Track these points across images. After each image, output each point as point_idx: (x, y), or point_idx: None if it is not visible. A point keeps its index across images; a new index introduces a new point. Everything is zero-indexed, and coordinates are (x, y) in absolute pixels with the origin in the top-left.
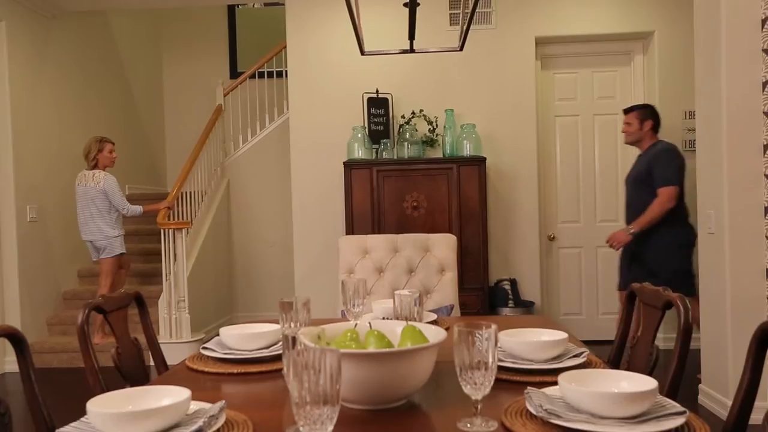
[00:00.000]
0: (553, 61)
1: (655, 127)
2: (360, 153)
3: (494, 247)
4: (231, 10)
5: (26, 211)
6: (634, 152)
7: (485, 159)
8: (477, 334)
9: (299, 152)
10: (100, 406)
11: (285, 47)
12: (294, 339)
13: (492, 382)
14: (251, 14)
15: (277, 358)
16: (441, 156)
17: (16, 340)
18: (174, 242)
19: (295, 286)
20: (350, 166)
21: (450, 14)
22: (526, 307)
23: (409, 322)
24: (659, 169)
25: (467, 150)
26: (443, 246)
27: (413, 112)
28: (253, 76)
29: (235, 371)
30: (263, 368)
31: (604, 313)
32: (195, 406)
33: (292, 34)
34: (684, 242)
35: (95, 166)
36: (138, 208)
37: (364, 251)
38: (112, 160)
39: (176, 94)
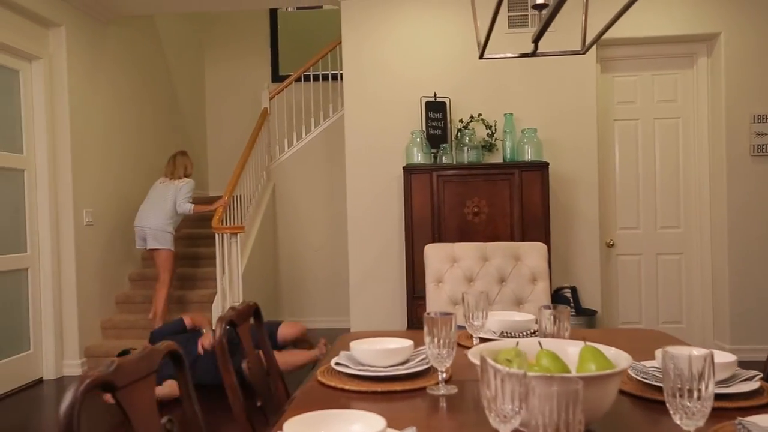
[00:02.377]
0: (612, 63)
1: None
2: (419, 158)
3: (554, 254)
4: (273, 13)
5: (83, 215)
6: (698, 156)
7: (548, 164)
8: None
9: (354, 157)
10: (300, 428)
11: (331, 50)
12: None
13: (708, 411)
14: (292, 18)
15: (415, 375)
16: (500, 161)
17: (176, 357)
18: (229, 246)
19: (350, 293)
20: (410, 170)
21: (509, 16)
22: (588, 315)
23: (555, 341)
24: None
25: (528, 155)
26: (534, 255)
27: (471, 116)
28: (297, 80)
29: (379, 389)
30: (406, 386)
31: (665, 321)
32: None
33: (347, 36)
34: None
35: (182, 176)
36: (190, 206)
37: (452, 259)
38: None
39: (218, 98)
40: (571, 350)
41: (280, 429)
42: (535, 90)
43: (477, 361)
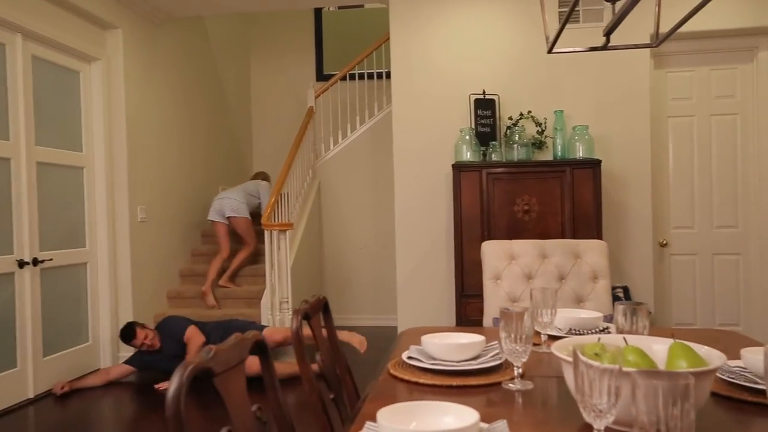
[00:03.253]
0: (666, 59)
1: None
2: (468, 155)
3: None
4: (317, 13)
5: (137, 211)
6: (757, 153)
7: (600, 161)
8: None
9: (402, 154)
10: (390, 419)
11: (376, 48)
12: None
13: None
14: (336, 17)
15: (487, 370)
16: (550, 158)
17: (261, 348)
18: (277, 243)
19: (397, 290)
20: (459, 168)
21: (558, 12)
22: None
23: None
24: None
25: (580, 152)
26: (595, 252)
27: (521, 114)
28: (342, 78)
29: (454, 384)
30: (481, 381)
31: (722, 323)
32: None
33: (395, 34)
34: None
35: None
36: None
37: (510, 257)
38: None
39: (263, 96)
40: (656, 347)
41: (367, 419)
42: (586, 86)
43: (562, 355)
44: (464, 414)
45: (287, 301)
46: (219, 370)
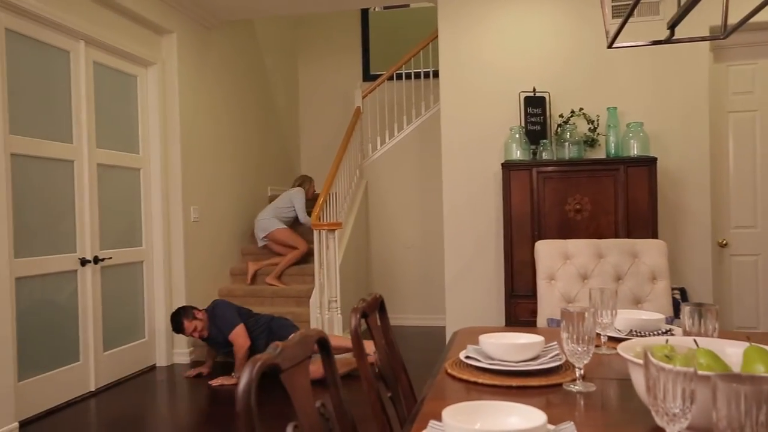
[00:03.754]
0: (727, 51)
1: None
2: (518, 154)
3: None
4: (364, 13)
5: (190, 212)
6: None
7: (656, 159)
8: None
9: (450, 153)
10: (456, 419)
11: (423, 47)
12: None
13: None
14: (383, 17)
15: (547, 371)
16: (603, 156)
17: (324, 344)
18: (326, 242)
19: (446, 290)
20: (509, 167)
21: (613, 6)
22: None
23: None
24: None
25: (634, 150)
26: (653, 252)
27: (572, 111)
28: (389, 78)
29: (514, 384)
30: (542, 382)
31: None
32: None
33: (444, 33)
34: None
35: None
36: (309, 219)
37: (564, 256)
38: (310, 195)
39: (310, 97)
40: (729, 350)
41: (428, 418)
42: (640, 82)
43: (630, 357)
44: (530, 415)
45: (335, 300)
46: (285, 367)
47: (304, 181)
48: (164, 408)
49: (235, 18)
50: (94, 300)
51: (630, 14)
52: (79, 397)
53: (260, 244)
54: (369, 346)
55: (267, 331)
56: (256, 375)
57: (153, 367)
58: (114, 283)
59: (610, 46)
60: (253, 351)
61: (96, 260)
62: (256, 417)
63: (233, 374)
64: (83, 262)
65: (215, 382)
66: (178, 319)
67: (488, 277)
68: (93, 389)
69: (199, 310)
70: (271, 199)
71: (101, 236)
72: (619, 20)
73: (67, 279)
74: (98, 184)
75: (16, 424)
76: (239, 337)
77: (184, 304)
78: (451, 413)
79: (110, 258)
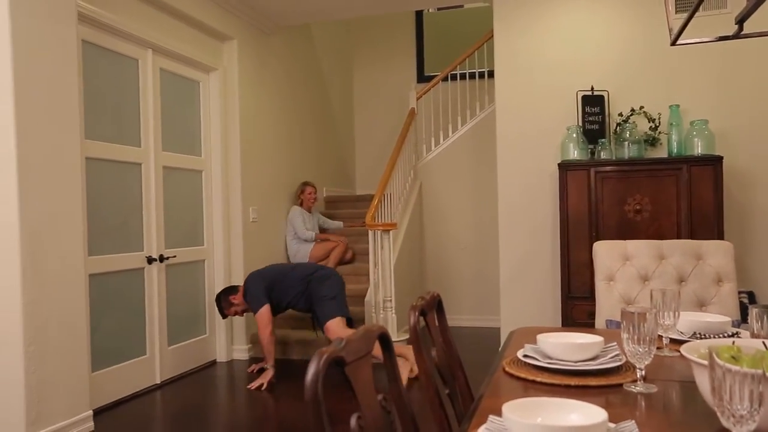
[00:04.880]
0: None
1: None
2: (575, 154)
3: None
4: (418, 15)
5: (249, 212)
6: None
7: (722, 158)
8: None
9: (506, 154)
10: (516, 414)
11: (478, 47)
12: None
13: None
14: (437, 18)
15: (606, 371)
16: (664, 155)
17: (385, 340)
18: (381, 243)
19: (500, 291)
20: (565, 167)
21: (676, 1)
22: None
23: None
24: None
25: (698, 148)
26: (719, 253)
27: (632, 109)
28: (443, 79)
29: (573, 383)
30: (601, 382)
31: None
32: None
33: (499, 32)
34: None
35: (301, 204)
36: (310, 234)
37: (624, 257)
38: (311, 200)
39: (365, 99)
40: None
41: (487, 414)
42: (705, 79)
43: (694, 358)
44: (591, 412)
45: (390, 300)
46: (350, 360)
47: (298, 193)
48: (225, 402)
49: (293, 23)
50: (159, 297)
51: (696, 10)
52: (146, 388)
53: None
54: (407, 354)
55: (305, 292)
56: (323, 366)
57: (213, 363)
58: (177, 281)
59: (674, 43)
60: (292, 307)
61: (161, 259)
62: (324, 406)
63: (264, 365)
64: (149, 260)
65: (253, 386)
66: (219, 306)
67: (544, 279)
68: (158, 382)
69: (236, 292)
70: (327, 200)
71: (166, 236)
72: (683, 15)
73: (135, 276)
74: (163, 185)
75: (90, 412)
76: (261, 319)
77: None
78: (512, 408)
79: (174, 256)
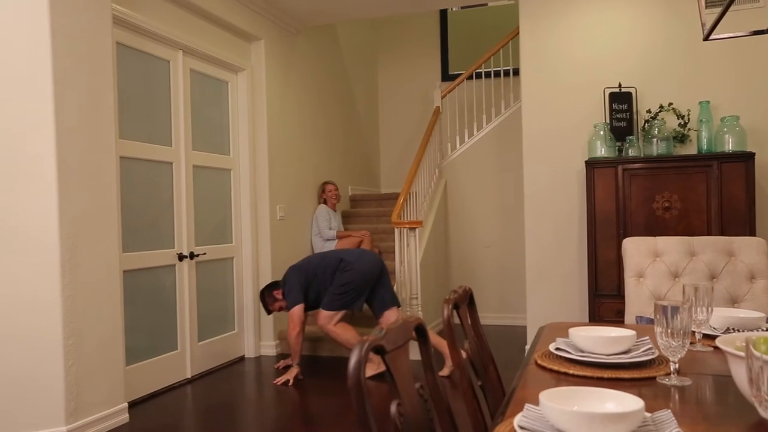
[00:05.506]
0: None
1: None
2: (602, 151)
3: None
4: (443, 13)
5: (276, 210)
6: None
7: (754, 154)
8: None
9: (532, 152)
10: (553, 401)
11: (503, 45)
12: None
13: None
14: (461, 17)
15: (640, 365)
16: (693, 152)
17: (421, 331)
18: (407, 240)
19: (527, 289)
20: (592, 164)
21: None
22: None
23: None
24: None
25: (729, 145)
26: (752, 250)
27: (661, 106)
28: (468, 77)
29: (605, 376)
30: (634, 375)
31: None
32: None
33: (525, 30)
34: None
35: (325, 202)
36: (331, 233)
37: (654, 254)
38: (334, 198)
39: (389, 98)
40: None
41: (523, 403)
42: (737, 74)
43: (730, 349)
44: (627, 401)
45: (416, 298)
46: (390, 348)
47: (320, 193)
48: (254, 396)
49: (319, 23)
50: (190, 293)
51: (730, 4)
52: (177, 383)
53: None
54: (444, 351)
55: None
56: (365, 353)
57: (242, 358)
58: (207, 278)
59: (706, 38)
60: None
61: (192, 256)
62: (366, 392)
63: (290, 363)
64: (180, 257)
65: (279, 381)
66: (263, 301)
67: (571, 277)
68: (189, 376)
69: (280, 287)
70: (352, 198)
71: (196, 233)
72: (714, 10)
73: (167, 273)
74: (193, 184)
75: (125, 404)
76: (292, 317)
77: (268, 283)
78: (549, 396)
79: (204, 254)
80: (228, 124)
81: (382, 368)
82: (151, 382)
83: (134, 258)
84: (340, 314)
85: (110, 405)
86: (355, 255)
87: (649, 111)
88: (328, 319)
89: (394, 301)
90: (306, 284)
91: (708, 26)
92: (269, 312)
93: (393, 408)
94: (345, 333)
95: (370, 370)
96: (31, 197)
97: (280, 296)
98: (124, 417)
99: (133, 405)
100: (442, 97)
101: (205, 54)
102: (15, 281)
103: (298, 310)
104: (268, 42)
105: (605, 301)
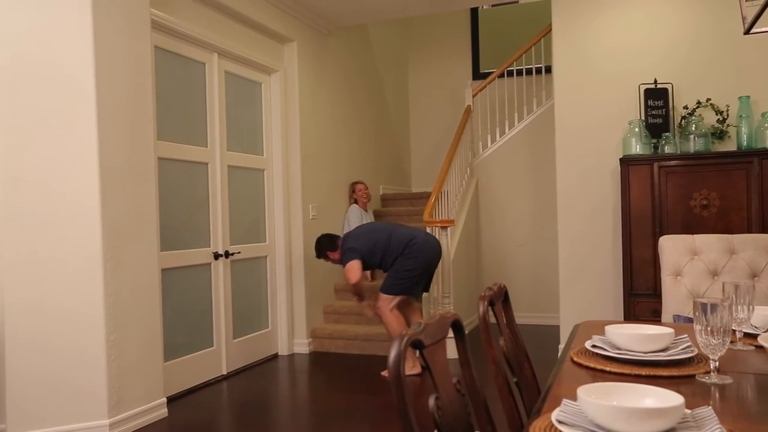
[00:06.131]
0: None
1: None
2: (637, 148)
3: None
4: (473, 12)
5: (309, 210)
6: None
7: None
8: None
9: (565, 149)
10: (591, 396)
11: (535, 43)
12: None
13: None
14: (492, 15)
15: (679, 363)
16: (733, 149)
17: (458, 327)
18: (439, 239)
19: (560, 288)
20: (627, 162)
21: None
22: None
23: None
24: None
25: None
26: None
27: (698, 102)
28: (499, 76)
29: (643, 373)
30: (673, 372)
31: None
32: None
33: (558, 26)
34: None
35: (356, 202)
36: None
37: (692, 252)
38: (364, 197)
39: (420, 97)
40: None
41: (559, 399)
42: None
43: None
44: (666, 397)
45: (448, 296)
46: (428, 343)
47: (350, 193)
48: (288, 393)
49: (351, 24)
50: (225, 291)
51: None
52: (213, 379)
53: None
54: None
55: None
56: (404, 347)
57: (275, 356)
58: (242, 276)
59: (747, 32)
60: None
61: (227, 254)
62: (406, 385)
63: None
64: (216, 255)
65: (365, 304)
66: (318, 245)
67: (605, 275)
68: (225, 373)
69: (336, 244)
70: (383, 197)
71: (231, 232)
72: (754, 2)
73: (203, 271)
74: (228, 184)
75: (164, 399)
76: (351, 270)
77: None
78: (587, 391)
79: (239, 252)
80: (261, 124)
81: (417, 370)
82: (188, 378)
83: (172, 257)
84: (397, 299)
85: (150, 400)
86: (422, 240)
87: (686, 107)
88: (386, 303)
89: (427, 289)
90: (369, 252)
91: (749, 19)
92: (319, 256)
93: (431, 402)
94: (394, 323)
95: (406, 370)
96: (75, 198)
97: (334, 256)
98: (163, 412)
99: (171, 400)
100: (473, 96)
101: (240, 56)
102: (61, 279)
103: (356, 263)
104: (300, 43)
105: (640, 300)
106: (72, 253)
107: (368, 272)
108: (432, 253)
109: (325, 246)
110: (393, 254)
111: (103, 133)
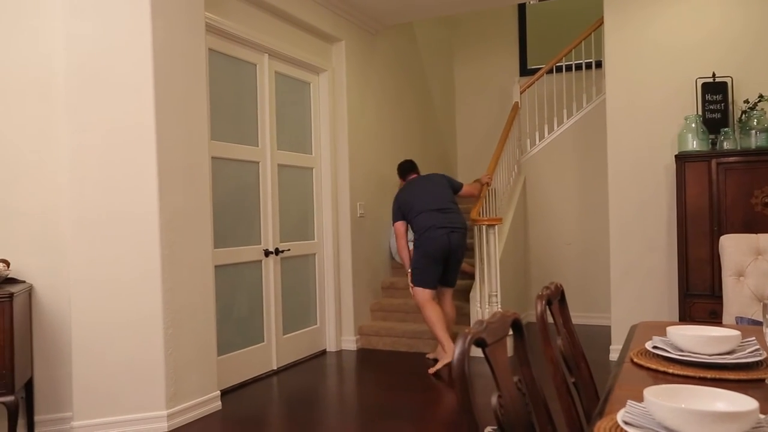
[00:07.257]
0: None
1: None
2: (694, 144)
3: None
4: (521, 8)
5: (356, 208)
6: None
7: None
8: None
9: (617, 146)
10: (659, 398)
11: (585, 38)
12: None
13: None
14: (539, 10)
15: (746, 366)
16: None
17: (517, 326)
18: (487, 238)
19: (611, 288)
20: (683, 158)
21: None
22: None
23: None
24: None
25: None
26: None
27: (760, 96)
28: (547, 72)
29: (708, 376)
30: (741, 376)
31: None
32: None
33: (610, 20)
34: None
35: None
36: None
37: (756, 251)
38: None
39: (466, 94)
40: None
41: (620, 401)
42: None
43: None
44: (739, 401)
45: (496, 295)
46: (490, 341)
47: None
48: (336, 389)
49: (398, 22)
50: (275, 287)
51: None
52: (264, 374)
53: None
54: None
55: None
56: (468, 346)
57: (323, 352)
58: (291, 273)
59: None
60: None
61: (277, 252)
62: (470, 382)
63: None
64: (266, 253)
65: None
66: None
67: (659, 275)
68: (275, 368)
69: (401, 179)
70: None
71: (281, 230)
72: None
73: (254, 268)
74: (278, 182)
75: (218, 393)
76: (396, 229)
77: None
78: (654, 393)
79: (288, 250)
80: (310, 123)
81: (447, 360)
82: (240, 373)
83: (224, 254)
84: (428, 292)
85: (204, 392)
86: (434, 233)
87: (746, 101)
88: (419, 295)
89: (450, 283)
90: (404, 216)
91: None
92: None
93: (494, 400)
94: (432, 316)
95: (440, 363)
96: (135, 197)
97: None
98: (217, 404)
99: (224, 393)
100: (521, 92)
101: (289, 56)
102: (122, 276)
103: (398, 225)
104: (348, 43)
105: (697, 301)
106: (132, 251)
107: None
108: (434, 248)
109: (398, 172)
110: (414, 232)
111: (162, 135)
